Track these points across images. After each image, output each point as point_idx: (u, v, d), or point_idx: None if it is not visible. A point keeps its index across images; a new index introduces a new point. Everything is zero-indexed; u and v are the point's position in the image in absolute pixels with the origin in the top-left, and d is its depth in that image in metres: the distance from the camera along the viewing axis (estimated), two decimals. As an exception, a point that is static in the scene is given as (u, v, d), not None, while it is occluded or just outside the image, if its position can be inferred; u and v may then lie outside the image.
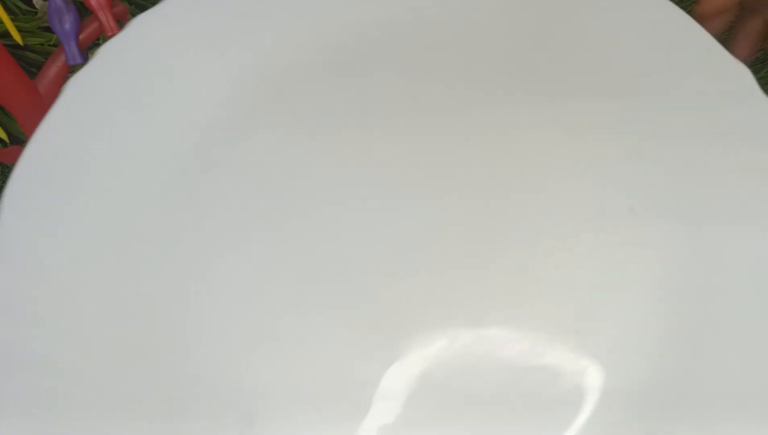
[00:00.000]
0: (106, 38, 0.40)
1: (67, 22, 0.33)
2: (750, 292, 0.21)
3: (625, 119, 0.24)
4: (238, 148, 0.24)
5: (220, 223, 0.23)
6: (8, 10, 0.42)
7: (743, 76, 0.23)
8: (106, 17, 0.33)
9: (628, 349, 0.21)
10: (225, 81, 0.25)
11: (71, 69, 0.35)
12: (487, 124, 0.24)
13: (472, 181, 0.24)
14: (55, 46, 0.41)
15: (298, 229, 0.23)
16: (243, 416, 0.20)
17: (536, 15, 0.25)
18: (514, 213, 0.23)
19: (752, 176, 0.22)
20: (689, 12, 0.25)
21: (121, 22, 0.34)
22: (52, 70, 0.34)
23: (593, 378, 0.20)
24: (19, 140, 0.40)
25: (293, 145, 0.24)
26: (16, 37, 0.33)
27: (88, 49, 0.39)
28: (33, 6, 0.43)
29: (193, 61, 0.25)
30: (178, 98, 0.24)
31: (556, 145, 0.24)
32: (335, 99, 0.25)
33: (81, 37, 0.33)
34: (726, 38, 0.26)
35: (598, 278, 0.22)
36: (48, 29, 0.42)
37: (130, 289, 0.22)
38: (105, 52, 0.24)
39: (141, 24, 0.25)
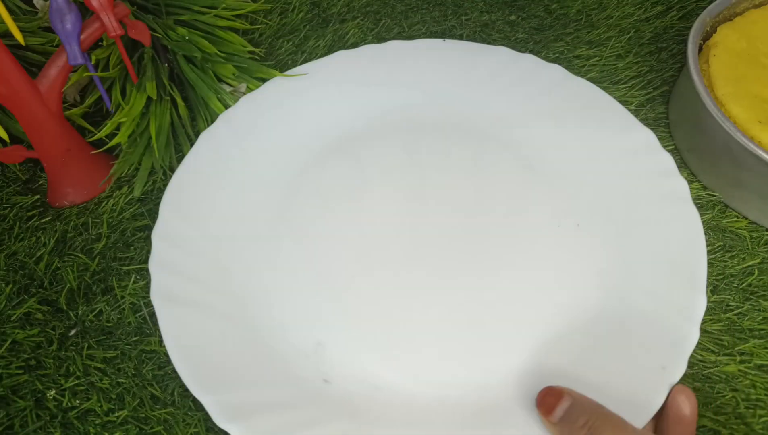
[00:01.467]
0: (108, 38, 0.40)
1: (68, 22, 0.33)
2: (655, 273, 0.34)
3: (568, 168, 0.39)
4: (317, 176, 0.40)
5: (303, 223, 0.38)
6: (9, 10, 0.42)
7: (649, 137, 0.38)
8: (108, 18, 0.33)
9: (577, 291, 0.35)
10: (308, 141, 0.41)
11: (72, 69, 0.35)
12: (476, 172, 0.39)
13: (458, 205, 0.38)
14: (56, 46, 0.41)
15: (352, 228, 0.37)
16: (318, 343, 0.33)
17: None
18: (495, 229, 0.37)
19: (652, 198, 0.37)
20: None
21: (122, 23, 0.34)
22: (53, 70, 0.34)
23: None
24: (19, 140, 0.40)
25: (350, 180, 0.39)
26: (18, 36, 0.33)
27: (90, 50, 0.39)
28: (34, 6, 0.43)
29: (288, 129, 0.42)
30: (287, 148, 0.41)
31: (523, 183, 0.39)
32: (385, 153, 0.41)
33: (82, 37, 0.33)
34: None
35: (554, 270, 0.35)
36: (49, 29, 0.42)
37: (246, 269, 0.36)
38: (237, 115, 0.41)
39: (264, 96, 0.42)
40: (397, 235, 0.37)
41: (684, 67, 0.41)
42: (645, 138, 0.38)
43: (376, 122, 0.42)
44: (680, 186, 0.36)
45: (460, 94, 0.43)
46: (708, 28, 0.42)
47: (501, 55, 0.43)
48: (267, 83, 0.42)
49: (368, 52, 0.44)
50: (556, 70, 0.42)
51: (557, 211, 0.37)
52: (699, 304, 0.32)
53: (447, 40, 0.44)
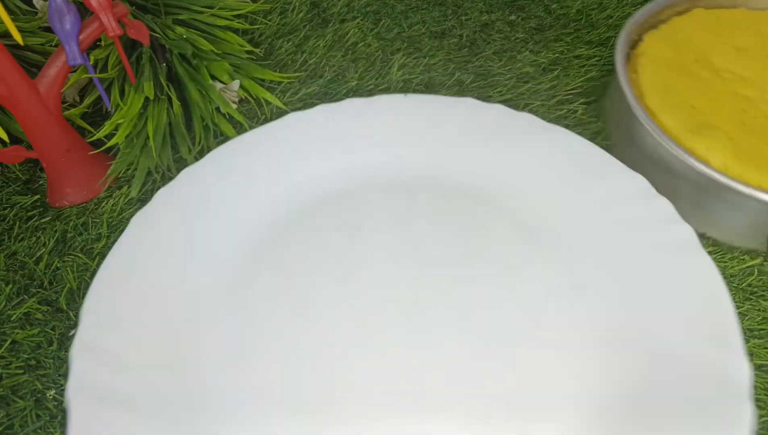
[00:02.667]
0: (107, 38, 0.40)
1: (67, 23, 0.33)
2: (663, 330, 0.30)
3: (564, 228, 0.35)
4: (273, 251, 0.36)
5: (254, 295, 0.33)
6: (8, 10, 0.42)
7: (640, 182, 0.34)
8: (107, 18, 0.33)
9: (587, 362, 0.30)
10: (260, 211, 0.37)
11: (71, 69, 0.35)
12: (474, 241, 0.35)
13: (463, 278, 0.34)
14: (55, 46, 0.41)
15: (306, 296, 0.33)
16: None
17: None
18: (500, 294, 0.33)
19: (652, 255, 0.32)
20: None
21: (121, 22, 0.34)
22: (52, 70, 0.34)
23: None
24: (19, 140, 0.41)
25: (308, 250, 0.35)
26: (17, 37, 0.33)
27: (89, 51, 0.39)
28: (33, 6, 0.43)
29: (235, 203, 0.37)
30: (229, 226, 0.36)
31: (521, 246, 0.35)
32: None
33: (81, 37, 0.33)
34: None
35: (563, 336, 0.31)
36: (48, 29, 0.42)
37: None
38: (163, 194, 0.36)
39: (192, 174, 0.37)
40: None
41: (613, 78, 0.40)
42: (636, 183, 0.35)
43: (350, 183, 0.38)
44: (685, 232, 0.32)
45: (426, 150, 0.39)
46: (635, 37, 0.41)
47: (467, 106, 0.40)
48: (215, 151, 0.38)
49: (323, 111, 0.40)
50: (527, 119, 0.38)
51: (552, 272, 0.33)
52: (742, 371, 0.25)
53: (408, 95, 0.41)
